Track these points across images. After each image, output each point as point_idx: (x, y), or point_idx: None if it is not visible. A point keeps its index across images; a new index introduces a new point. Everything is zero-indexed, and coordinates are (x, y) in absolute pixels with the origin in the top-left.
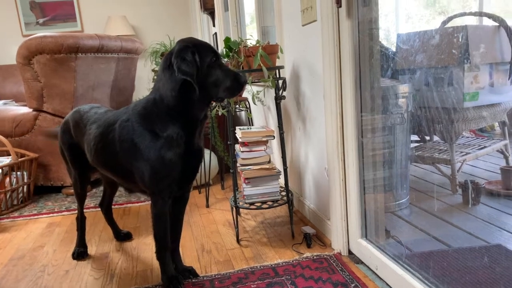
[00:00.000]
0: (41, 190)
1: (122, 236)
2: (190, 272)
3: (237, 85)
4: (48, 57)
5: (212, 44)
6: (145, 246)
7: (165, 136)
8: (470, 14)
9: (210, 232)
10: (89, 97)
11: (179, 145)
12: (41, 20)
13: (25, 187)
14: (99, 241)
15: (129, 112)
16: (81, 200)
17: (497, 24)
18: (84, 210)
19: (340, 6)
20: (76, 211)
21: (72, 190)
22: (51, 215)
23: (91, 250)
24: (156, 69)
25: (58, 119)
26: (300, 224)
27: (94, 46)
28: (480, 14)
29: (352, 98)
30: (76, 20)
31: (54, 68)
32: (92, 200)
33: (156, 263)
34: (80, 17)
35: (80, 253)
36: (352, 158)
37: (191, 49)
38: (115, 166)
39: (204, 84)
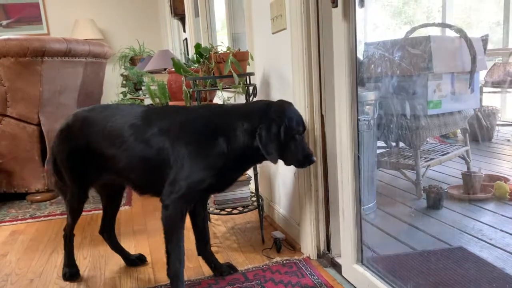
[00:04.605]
0: (4, 197)
1: (134, 260)
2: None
3: (303, 163)
4: (12, 60)
5: (183, 50)
6: (112, 253)
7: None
8: (433, 25)
9: None
10: (56, 101)
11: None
12: (4, 22)
13: None
14: None
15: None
16: (76, 216)
17: (458, 35)
18: (50, 218)
19: (336, 6)
20: (37, 219)
21: (39, 197)
22: (15, 222)
23: (57, 258)
24: (125, 73)
25: (23, 124)
26: (270, 229)
27: (61, 50)
28: (442, 25)
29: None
30: (42, 23)
31: (19, 72)
32: (59, 207)
33: (124, 271)
34: (46, 20)
35: (73, 274)
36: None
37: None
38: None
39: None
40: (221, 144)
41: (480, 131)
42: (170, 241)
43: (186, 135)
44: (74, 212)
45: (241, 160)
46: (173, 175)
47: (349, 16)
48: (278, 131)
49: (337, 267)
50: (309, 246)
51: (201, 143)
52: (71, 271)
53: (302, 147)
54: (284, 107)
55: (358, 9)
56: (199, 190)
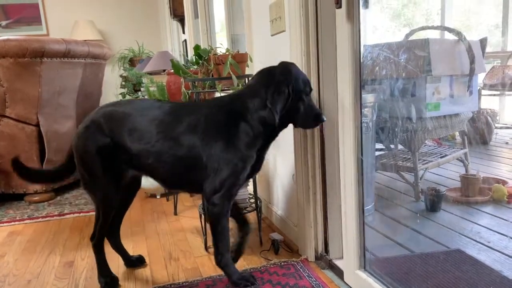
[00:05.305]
0: (2, 198)
1: (134, 261)
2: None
3: (313, 124)
4: (11, 61)
5: (182, 52)
6: (110, 255)
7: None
8: (432, 28)
9: (178, 239)
10: (55, 102)
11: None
12: (3, 23)
13: None
14: (64, 249)
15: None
16: (110, 214)
17: (456, 38)
18: (47, 219)
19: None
20: (35, 220)
21: (37, 198)
22: (13, 223)
23: (55, 259)
24: (124, 74)
25: (22, 124)
26: (268, 230)
27: (60, 51)
28: (440, 28)
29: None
30: (41, 24)
31: (18, 73)
32: (57, 208)
33: (122, 272)
34: (46, 20)
35: (113, 283)
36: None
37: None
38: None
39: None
40: (246, 130)
41: (486, 133)
42: (219, 233)
43: (214, 129)
44: (108, 210)
45: (265, 138)
46: (212, 172)
47: (353, 17)
48: (287, 92)
49: (335, 269)
50: (307, 248)
51: (230, 135)
52: (106, 281)
53: (311, 107)
54: (288, 69)
55: (362, 10)
56: (240, 182)
